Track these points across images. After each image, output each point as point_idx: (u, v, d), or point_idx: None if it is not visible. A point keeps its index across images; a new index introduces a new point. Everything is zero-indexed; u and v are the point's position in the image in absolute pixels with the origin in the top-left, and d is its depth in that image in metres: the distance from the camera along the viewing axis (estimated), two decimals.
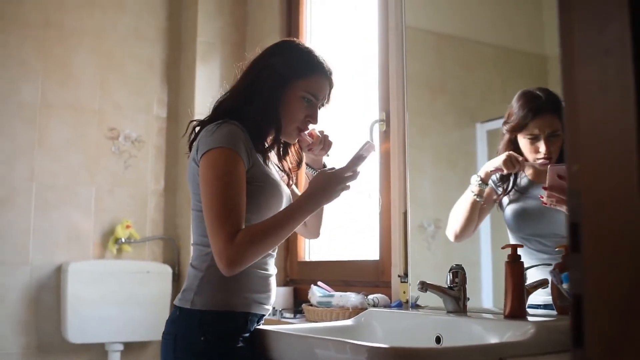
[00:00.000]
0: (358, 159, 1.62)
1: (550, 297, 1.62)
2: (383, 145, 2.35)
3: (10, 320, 2.93)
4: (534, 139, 1.75)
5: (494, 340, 1.44)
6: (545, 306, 1.69)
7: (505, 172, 1.82)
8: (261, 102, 1.63)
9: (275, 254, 1.68)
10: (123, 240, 3.15)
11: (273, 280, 1.67)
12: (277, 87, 1.63)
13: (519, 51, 2.15)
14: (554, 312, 1.60)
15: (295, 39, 1.77)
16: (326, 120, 2.88)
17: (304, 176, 1.90)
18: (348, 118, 2.81)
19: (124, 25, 3.32)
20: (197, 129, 1.66)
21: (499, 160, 1.81)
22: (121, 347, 3.02)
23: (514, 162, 1.79)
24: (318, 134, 1.76)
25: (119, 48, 3.29)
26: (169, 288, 3.15)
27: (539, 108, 1.76)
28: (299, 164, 1.80)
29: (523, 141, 1.79)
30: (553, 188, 1.58)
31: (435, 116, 2.28)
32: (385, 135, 2.35)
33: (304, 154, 1.80)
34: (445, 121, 2.26)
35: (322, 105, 1.72)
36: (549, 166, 1.62)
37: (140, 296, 3.06)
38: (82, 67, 3.18)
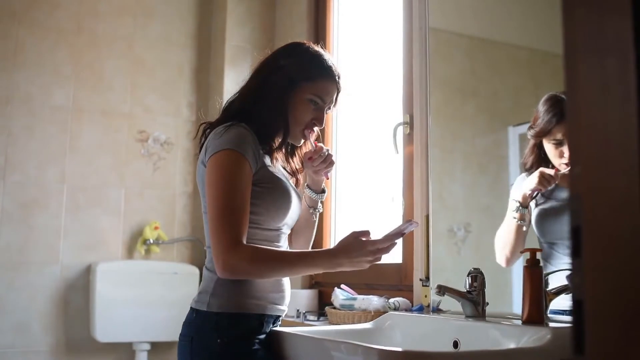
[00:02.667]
0: (397, 234, 1.59)
1: None
2: (406, 148, 2.34)
3: (40, 319, 3.00)
4: (558, 144, 1.74)
5: (510, 345, 1.42)
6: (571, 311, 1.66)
7: (543, 190, 1.77)
8: (270, 103, 1.63)
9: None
10: (151, 241, 3.20)
11: (287, 281, 1.67)
12: (286, 89, 1.64)
13: (551, 53, 2.11)
14: None
15: (305, 41, 1.76)
16: (350, 123, 2.90)
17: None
18: (372, 120, 2.80)
19: (154, 31, 3.37)
20: (207, 131, 1.67)
21: (533, 181, 1.77)
22: (148, 347, 3.06)
23: (549, 179, 1.75)
24: (322, 145, 1.75)
25: (149, 53, 3.35)
26: (196, 289, 3.16)
27: (563, 113, 1.75)
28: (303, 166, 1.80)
29: (548, 146, 1.77)
30: None
31: (466, 120, 2.26)
32: (409, 138, 2.34)
33: (305, 168, 1.79)
34: (477, 125, 2.24)
35: (329, 108, 1.72)
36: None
37: (168, 297, 3.10)
38: (113, 72, 3.25)
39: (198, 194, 3.28)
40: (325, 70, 1.67)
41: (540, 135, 1.78)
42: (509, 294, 1.95)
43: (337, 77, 1.69)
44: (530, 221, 1.83)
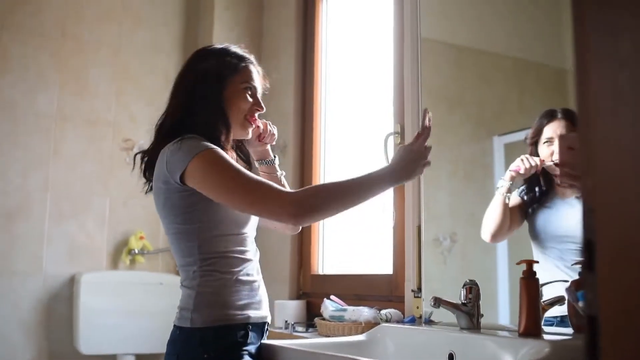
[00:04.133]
0: (428, 129, 1.62)
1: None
2: None
3: (23, 329, 2.93)
4: (549, 143, 1.82)
5: (507, 358, 1.40)
6: (563, 319, 1.66)
7: (522, 170, 1.86)
8: (208, 108, 1.62)
9: (256, 259, 1.67)
10: (136, 251, 3.15)
11: (261, 285, 1.65)
12: (218, 88, 1.64)
13: (537, 64, 2.12)
14: (570, 329, 1.57)
15: (206, 46, 1.79)
16: (340, 132, 2.88)
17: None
18: (363, 130, 2.79)
19: (140, 38, 3.34)
20: (145, 159, 1.68)
21: (515, 162, 1.88)
22: (133, 359, 3.00)
23: (529, 161, 1.85)
24: (262, 123, 1.77)
25: (135, 60, 3.31)
26: None
27: (553, 114, 1.85)
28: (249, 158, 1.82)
29: (541, 149, 1.84)
30: (565, 164, 1.55)
31: (451, 129, 2.26)
32: None
33: (250, 150, 1.81)
34: (462, 134, 2.24)
35: (261, 93, 1.75)
36: (559, 136, 1.62)
37: (153, 307, 3.05)
38: (98, 79, 3.20)
39: None
40: (243, 59, 1.70)
41: (534, 137, 1.86)
42: (495, 304, 1.95)
43: (254, 61, 1.73)
44: (518, 210, 1.92)
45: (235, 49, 1.72)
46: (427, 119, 1.63)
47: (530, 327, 1.49)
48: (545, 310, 1.59)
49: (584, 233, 0.78)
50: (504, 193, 1.90)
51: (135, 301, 3.03)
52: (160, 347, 3.02)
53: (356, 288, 2.56)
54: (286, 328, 2.50)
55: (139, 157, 1.71)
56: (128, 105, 3.26)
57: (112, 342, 2.96)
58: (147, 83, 3.32)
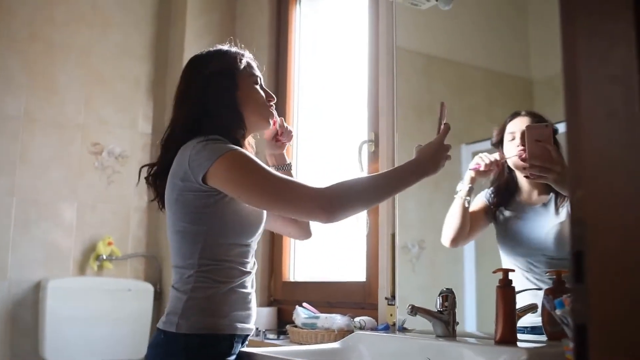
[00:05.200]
0: (447, 126, 1.65)
1: (537, 319, 1.62)
2: (372, 166, 2.34)
3: None
4: (512, 140, 1.83)
5: None
6: (533, 329, 1.68)
7: (482, 167, 1.87)
8: (223, 110, 1.62)
9: (253, 272, 1.65)
10: (104, 257, 3.10)
11: (253, 298, 1.64)
12: (231, 88, 1.64)
13: (505, 74, 2.16)
14: (543, 337, 1.59)
15: (197, 54, 1.76)
16: (313, 140, 2.89)
17: None
18: (336, 138, 2.80)
19: (111, 42, 3.30)
20: (149, 169, 1.69)
21: (474, 160, 1.90)
22: None
23: (487, 157, 1.87)
24: (279, 119, 1.79)
25: (105, 64, 3.27)
26: (150, 306, 3.10)
27: (517, 112, 1.87)
28: None
29: (505, 145, 1.86)
30: (534, 156, 1.57)
31: (420, 137, 2.28)
32: (374, 156, 2.34)
33: (267, 153, 1.82)
34: None
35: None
36: (525, 127, 1.64)
37: (121, 314, 3.01)
38: (67, 83, 3.15)
39: (153, 209, 3.26)
40: (241, 54, 1.71)
41: (499, 133, 1.88)
42: (461, 312, 1.96)
43: (248, 53, 1.74)
44: (484, 214, 1.93)
45: (228, 47, 1.72)
46: (444, 113, 1.66)
47: (507, 334, 1.51)
48: (519, 317, 1.61)
49: (572, 244, 0.80)
50: (463, 197, 1.90)
51: (103, 308, 2.98)
52: (128, 354, 3.01)
53: (328, 295, 2.56)
54: (257, 335, 2.48)
55: (144, 169, 1.71)
56: (98, 109, 3.22)
57: (79, 350, 2.90)
58: (117, 87, 3.28)
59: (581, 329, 0.76)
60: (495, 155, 1.86)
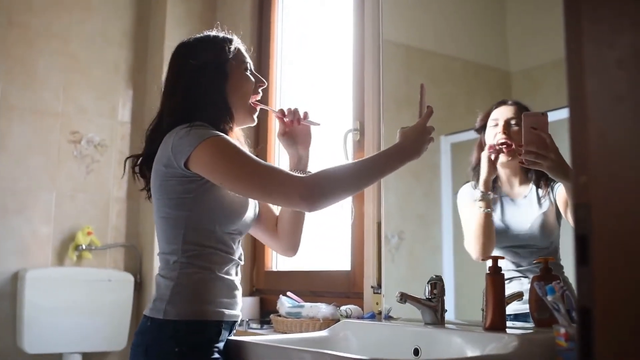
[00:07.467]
0: (430, 109, 1.63)
1: (522, 307, 1.63)
2: (357, 155, 2.34)
3: None
4: (495, 126, 1.85)
5: (475, 353, 1.43)
6: (516, 316, 1.70)
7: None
8: (212, 100, 1.60)
9: (241, 262, 1.65)
10: (84, 247, 3.06)
11: (238, 286, 1.63)
12: (221, 78, 1.63)
13: (484, 66, 2.17)
14: (530, 324, 1.61)
15: (184, 40, 1.72)
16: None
17: None
18: (320, 127, 2.78)
19: (90, 27, 3.24)
20: (135, 160, 1.68)
21: (484, 166, 1.84)
22: (79, 358, 2.92)
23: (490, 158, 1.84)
24: (279, 111, 1.76)
25: (85, 50, 3.21)
26: (130, 297, 3.07)
27: (503, 101, 1.88)
28: None
29: (488, 130, 1.86)
30: (530, 143, 1.58)
31: (400, 128, 2.29)
32: (359, 145, 2.34)
33: (287, 148, 1.78)
34: None
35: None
36: (522, 115, 1.65)
37: (101, 305, 2.98)
38: (45, 69, 3.09)
39: (133, 198, 3.23)
40: (230, 40, 1.69)
41: (483, 119, 1.90)
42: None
43: (237, 38, 1.72)
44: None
45: (215, 33, 1.70)
46: (424, 95, 1.65)
47: (496, 321, 1.52)
48: (507, 303, 1.63)
49: (576, 227, 0.80)
50: (485, 209, 1.83)
51: (82, 298, 2.94)
52: (108, 345, 2.98)
53: (312, 285, 2.56)
54: (240, 325, 2.47)
55: (129, 161, 1.70)
56: (77, 96, 3.17)
57: (58, 341, 2.87)
58: (96, 74, 3.23)
59: (586, 311, 0.77)
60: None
